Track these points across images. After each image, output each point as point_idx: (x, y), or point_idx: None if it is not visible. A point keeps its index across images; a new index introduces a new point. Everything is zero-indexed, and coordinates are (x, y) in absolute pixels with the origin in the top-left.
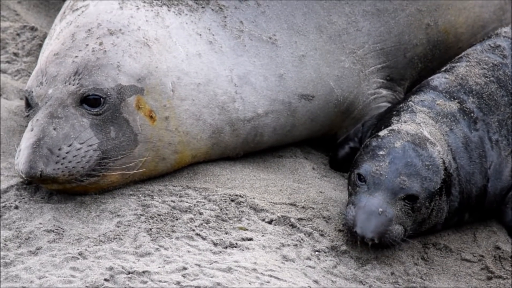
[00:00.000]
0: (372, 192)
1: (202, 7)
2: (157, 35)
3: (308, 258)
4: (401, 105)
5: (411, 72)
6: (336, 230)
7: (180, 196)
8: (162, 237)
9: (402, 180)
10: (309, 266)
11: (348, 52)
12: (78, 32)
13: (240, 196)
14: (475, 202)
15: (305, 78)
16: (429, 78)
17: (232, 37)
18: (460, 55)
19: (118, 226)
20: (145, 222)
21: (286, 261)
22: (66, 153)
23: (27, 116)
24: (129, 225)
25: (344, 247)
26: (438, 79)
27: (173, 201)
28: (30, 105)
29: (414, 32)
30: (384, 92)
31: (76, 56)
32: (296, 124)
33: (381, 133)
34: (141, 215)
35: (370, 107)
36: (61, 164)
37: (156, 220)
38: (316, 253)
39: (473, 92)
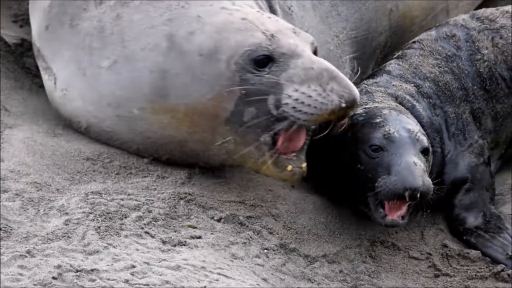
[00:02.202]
0: (395, 151)
1: None
2: None
3: (257, 256)
4: None
5: (372, 64)
6: (285, 228)
7: (129, 194)
8: (111, 235)
9: (414, 134)
10: (258, 264)
11: (333, 35)
12: None
13: (189, 194)
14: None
15: None
16: (382, 65)
17: None
18: (413, 40)
19: (66, 224)
20: (93, 220)
21: (235, 259)
22: None
23: (270, 72)
24: (77, 223)
25: (292, 245)
26: (392, 65)
27: (122, 199)
28: (266, 62)
29: (380, 19)
30: None
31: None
32: None
33: (360, 111)
34: (89, 213)
35: None
36: None
37: (105, 218)
38: (265, 251)
39: (429, 79)
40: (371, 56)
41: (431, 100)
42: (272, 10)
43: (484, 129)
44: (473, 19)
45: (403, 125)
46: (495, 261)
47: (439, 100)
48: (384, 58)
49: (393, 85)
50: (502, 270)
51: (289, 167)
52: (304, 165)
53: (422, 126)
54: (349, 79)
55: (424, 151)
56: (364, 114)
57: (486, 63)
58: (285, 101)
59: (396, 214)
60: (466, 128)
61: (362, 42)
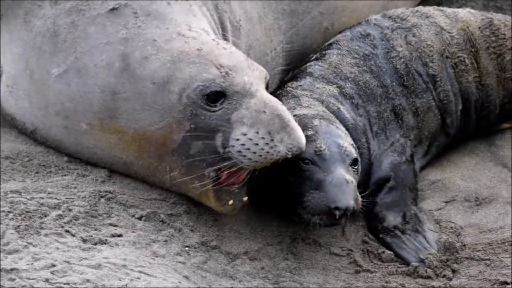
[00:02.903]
0: (327, 168)
1: None
2: None
3: (178, 254)
4: (279, 92)
5: None
6: (206, 226)
7: (49, 193)
8: (31, 234)
9: (344, 148)
10: (179, 262)
11: (272, 48)
12: None
13: (110, 192)
14: (362, 185)
15: None
16: (302, 67)
17: None
18: (329, 42)
19: None
20: (13, 219)
21: (156, 257)
22: None
23: (221, 108)
24: None
25: (214, 243)
26: (312, 67)
27: (42, 198)
28: (218, 98)
29: (315, 36)
30: None
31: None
32: None
33: None
34: (9, 212)
35: None
36: None
37: (25, 217)
38: (186, 248)
39: (349, 79)
40: None
41: (353, 101)
42: (223, 26)
43: (406, 126)
44: (385, 18)
45: (333, 139)
46: (407, 263)
47: (361, 100)
48: None
49: (317, 87)
50: (418, 266)
51: (230, 202)
52: (245, 198)
53: (348, 130)
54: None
55: (354, 162)
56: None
57: (402, 60)
58: (232, 143)
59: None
60: (387, 127)
61: (295, 56)
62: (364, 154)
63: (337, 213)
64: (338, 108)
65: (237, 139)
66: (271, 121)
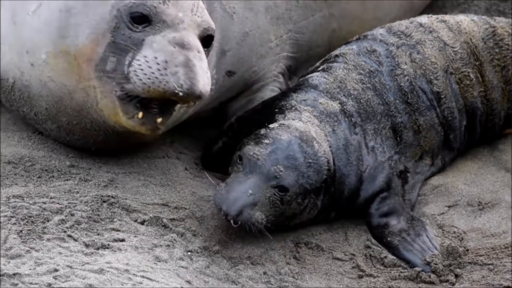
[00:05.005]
0: (246, 174)
1: None
2: None
3: (181, 259)
4: (283, 103)
5: (307, 66)
6: (209, 231)
7: (51, 198)
8: (33, 238)
9: (278, 169)
10: (182, 267)
11: (278, 35)
12: None
13: (112, 197)
14: (346, 202)
15: (239, 56)
16: (308, 76)
17: None
18: (336, 53)
19: None
20: (15, 224)
21: (159, 261)
22: None
23: (142, 30)
24: None
25: (216, 247)
26: (318, 79)
27: (44, 203)
28: (142, 21)
29: (322, 33)
30: (281, 79)
31: None
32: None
33: (272, 125)
34: (11, 217)
35: (265, 87)
36: None
37: (27, 222)
38: (189, 253)
39: (352, 96)
40: (307, 60)
41: (352, 119)
42: (211, 9)
43: (404, 143)
44: (390, 34)
45: (277, 157)
46: (413, 266)
47: (360, 118)
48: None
49: (320, 103)
50: (422, 271)
51: (140, 114)
52: (159, 120)
53: (338, 149)
54: (279, 73)
55: (280, 189)
56: (270, 129)
57: (406, 77)
58: (133, 63)
59: None
60: (385, 143)
61: (302, 46)
62: (351, 174)
63: (222, 213)
64: (333, 130)
65: (138, 60)
66: (175, 54)
